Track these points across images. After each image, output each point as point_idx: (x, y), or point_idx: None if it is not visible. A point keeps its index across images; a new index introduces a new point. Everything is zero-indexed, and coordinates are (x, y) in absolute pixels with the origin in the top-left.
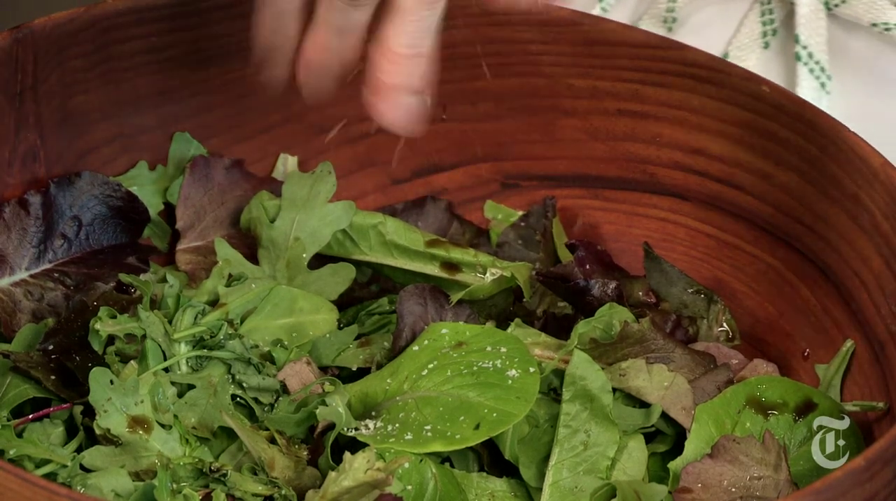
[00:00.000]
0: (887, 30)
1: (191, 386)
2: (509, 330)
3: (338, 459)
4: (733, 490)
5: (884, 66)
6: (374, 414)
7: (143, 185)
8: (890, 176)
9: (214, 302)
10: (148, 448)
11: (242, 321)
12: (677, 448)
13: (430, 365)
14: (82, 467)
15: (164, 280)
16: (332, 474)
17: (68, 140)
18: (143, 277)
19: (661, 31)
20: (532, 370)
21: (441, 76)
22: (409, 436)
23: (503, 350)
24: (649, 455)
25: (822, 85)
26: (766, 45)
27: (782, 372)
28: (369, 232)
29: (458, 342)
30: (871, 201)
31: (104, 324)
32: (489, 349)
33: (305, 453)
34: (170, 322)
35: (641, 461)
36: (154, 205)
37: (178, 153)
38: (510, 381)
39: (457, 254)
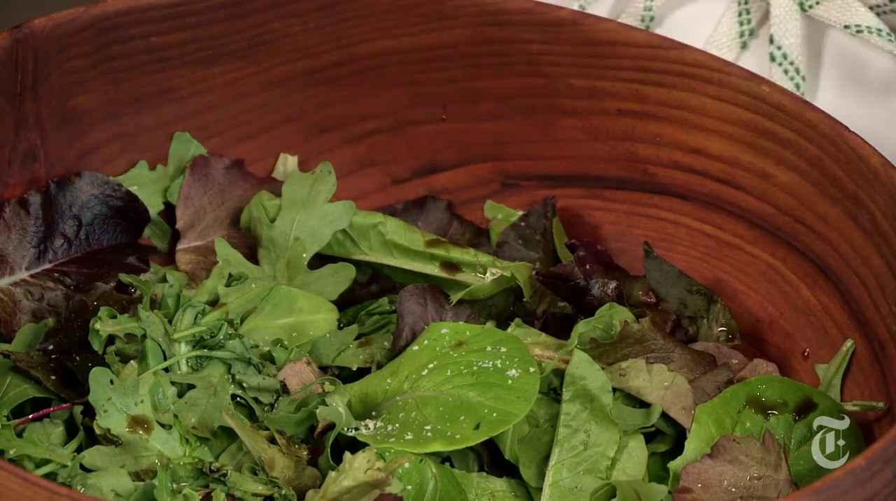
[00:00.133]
0: (859, 31)
1: (191, 386)
2: (509, 329)
3: (338, 459)
4: (733, 490)
5: (857, 68)
6: (374, 413)
7: (143, 185)
8: (890, 176)
9: (214, 302)
10: (148, 448)
11: (242, 321)
12: (677, 448)
13: (431, 365)
14: (82, 467)
15: (164, 280)
16: (333, 474)
17: (68, 140)
18: (143, 277)
19: None
20: (532, 370)
21: (441, 76)
22: (409, 436)
23: (503, 349)
24: (649, 454)
25: (797, 86)
26: (744, 46)
27: (782, 372)
28: (369, 232)
29: (458, 342)
30: (871, 201)
31: (104, 324)
32: (489, 349)
33: (305, 453)
34: (170, 322)
35: (641, 461)
36: (154, 205)
37: (178, 153)
38: (510, 381)
39: (457, 254)
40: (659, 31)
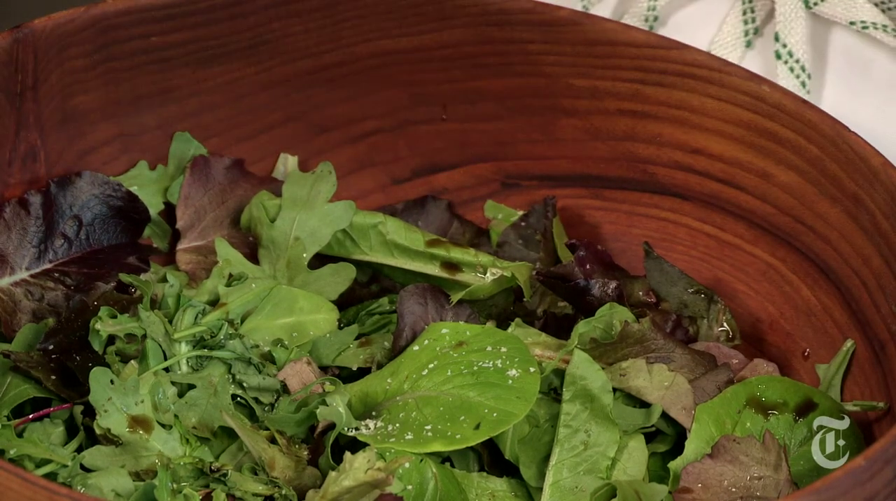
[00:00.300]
0: (864, 27)
1: (191, 386)
2: (509, 329)
3: (338, 459)
4: (733, 490)
5: (863, 65)
6: (374, 413)
7: (144, 185)
8: (890, 176)
9: (215, 302)
10: (148, 447)
11: (243, 321)
12: (677, 448)
13: (431, 365)
14: (83, 467)
15: (164, 280)
16: (333, 474)
17: (68, 140)
18: (143, 277)
19: None
20: (532, 370)
21: (441, 76)
22: (409, 436)
23: (503, 349)
24: (649, 454)
25: (803, 84)
26: (749, 44)
27: (782, 372)
28: (370, 231)
29: (458, 342)
30: (871, 201)
31: (104, 324)
32: (489, 349)
33: (306, 453)
34: (170, 321)
35: (642, 461)
36: (154, 205)
37: (179, 153)
38: (510, 381)
39: (457, 254)
40: (663, 31)
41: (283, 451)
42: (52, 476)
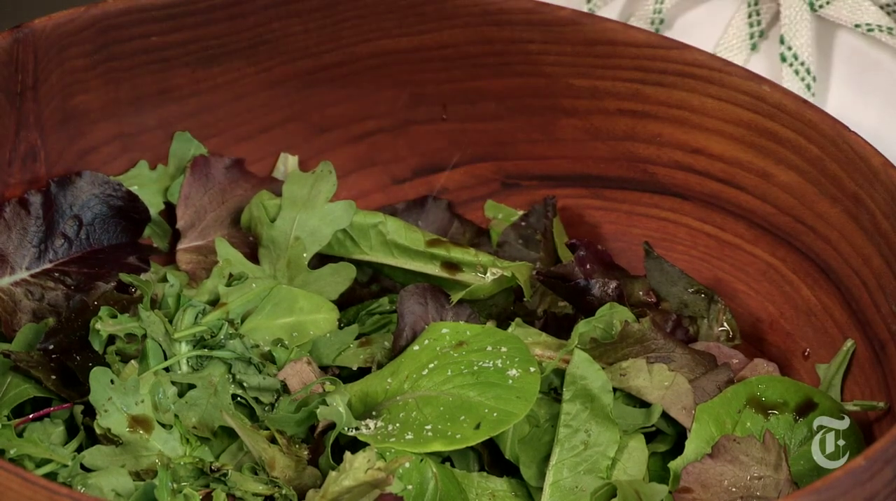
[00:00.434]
0: (870, 30)
1: (191, 386)
2: (510, 329)
3: (338, 459)
4: (734, 489)
5: (868, 68)
6: (374, 413)
7: (144, 185)
8: (890, 175)
9: (215, 302)
10: (148, 447)
11: (243, 320)
12: (678, 448)
13: (431, 365)
14: (83, 466)
15: (164, 279)
16: (333, 473)
17: (69, 139)
18: (143, 277)
19: None
20: (532, 369)
21: (441, 76)
22: (409, 436)
23: (504, 349)
24: (650, 454)
25: (808, 86)
26: (755, 47)
27: (783, 372)
28: (370, 231)
29: (458, 341)
30: (871, 201)
31: (105, 324)
32: (490, 348)
33: (306, 453)
34: (170, 321)
35: (642, 460)
36: (154, 205)
37: (179, 152)
38: (511, 381)
39: (457, 254)
40: (669, 33)
41: (284, 451)
42: (52, 476)
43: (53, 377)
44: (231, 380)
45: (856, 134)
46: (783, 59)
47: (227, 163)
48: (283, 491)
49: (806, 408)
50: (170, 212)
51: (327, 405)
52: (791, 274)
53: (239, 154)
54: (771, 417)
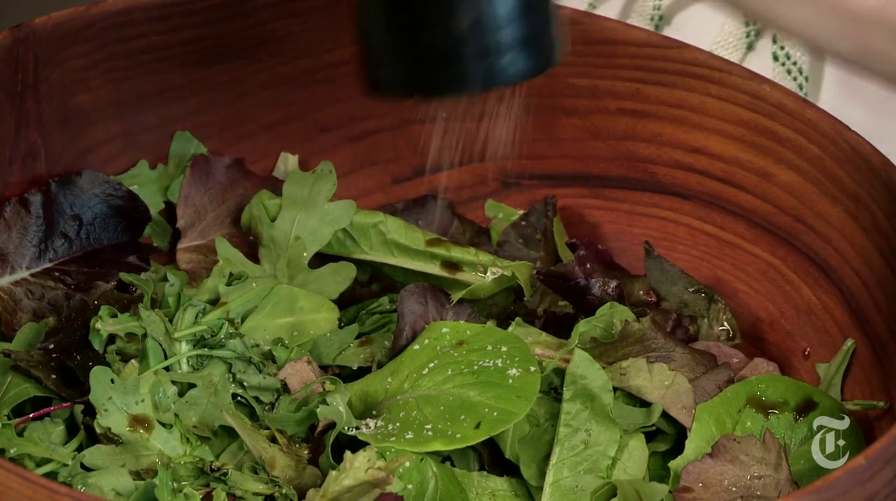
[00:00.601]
0: None
1: (191, 385)
2: (510, 329)
3: (338, 458)
4: (734, 489)
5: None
6: (374, 413)
7: (144, 184)
8: (890, 175)
9: (215, 301)
10: (149, 447)
11: (243, 320)
12: (678, 448)
13: (431, 364)
14: (83, 466)
15: (164, 279)
16: (333, 473)
17: (69, 139)
18: (143, 276)
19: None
20: (533, 369)
21: None
22: (409, 435)
23: (504, 349)
24: (650, 454)
25: (800, 86)
26: (750, 46)
27: (783, 371)
28: (370, 231)
29: (458, 341)
30: (871, 200)
31: (105, 323)
32: (490, 348)
33: (306, 452)
34: (170, 321)
35: (642, 460)
36: (155, 204)
37: (179, 152)
38: (511, 380)
39: (457, 253)
40: (667, 29)
41: (284, 450)
42: (52, 476)
43: (54, 376)
44: (231, 380)
45: (856, 133)
46: (775, 59)
47: (227, 162)
48: (284, 491)
49: (806, 408)
50: (170, 211)
51: (327, 404)
52: (791, 274)
53: (239, 153)
54: (771, 416)
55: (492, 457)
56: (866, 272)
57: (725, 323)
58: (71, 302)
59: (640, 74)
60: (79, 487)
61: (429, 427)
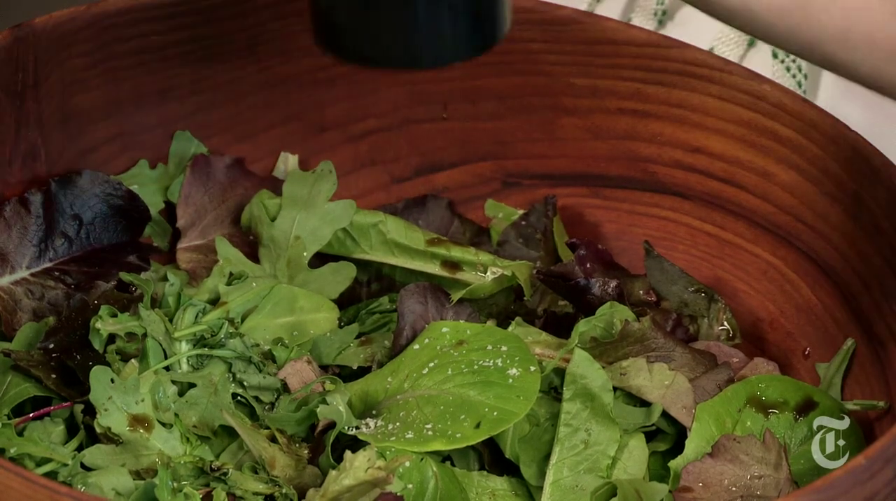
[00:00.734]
0: None
1: (191, 385)
2: (510, 328)
3: (338, 458)
4: (734, 489)
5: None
6: (374, 412)
7: (144, 184)
8: (890, 174)
9: (215, 301)
10: (149, 446)
11: (243, 320)
12: (678, 447)
13: (431, 364)
14: (83, 465)
15: (164, 278)
16: (333, 473)
17: (69, 138)
18: (143, 276)
19: (651, 26)
20: (533, 368)
21: (441, 75)
22: (409, 435)
23: (504, 348)
24: (650, 453)
25: (799, 84)
26: (752, 43)
27: (783, 371)
28: (370, 230)
29: (458, 340)
30: (872, 200)
31: (105, 323)
32: (490, 348)
33: (306, 452)
34: (170, 320)
35: (642, 460)
36: (155, 204)
37: (179, 152)
38: (511, 380)
39: (457, 253)
40: (670, 25)
41: (284, 450)
42: (52, 475)
43: (54, 376)
44: (231, 379)
45: (856, 133)
46: (775, 56)
47: (227, 162)
48: (284, 490)
49: (806, 407)
50: (170, 211)
51: (327, 404)
52: (791, 274)
53: (239, 153)
54: (771, 416)
55: (492, 457)
56: (866, 272)
57: (725, 323)
58: (71, 302)
59: (640, 74)
60: (79, 487)
61: (429, 426)
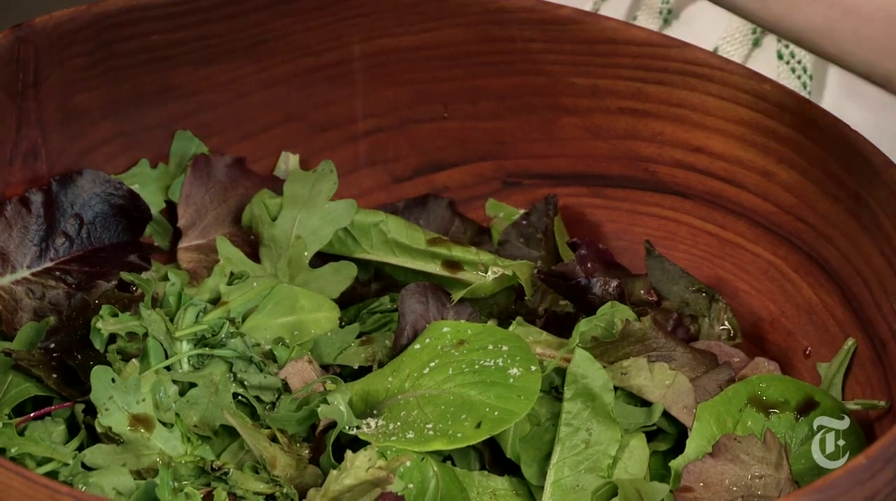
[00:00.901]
0: None
1: (192, 385)
2: (511, 328)
3: (339, 457)
4: (735, 488)
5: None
6: (375, 412)
7: (145, 183)
8: (892, 174)
9: (216, 301)
10: (149, 446)
11: (244, 319)
12: (679, 447)
13: (432, 364)
14: (84, 465)
15: (165, 278)
16: (334, 472)
17: (70, 138)
18: (144, 275)
19: (657, 25)
20: (533, 368)
21: (442, 75)
22: (410, 435)
23: (505, 348)
24: (651, 453)
25: (804, 84)
26: (757, 42)
27: (784, 371)
28: (371, 230)
29: (459, 340)
30: (872, 199)
31: (106, 323)
32: (490, 347)
33: (307, 451)
34: (171, 320)
35: (643, 459)
36: (155, 204)
37: (180, 151)
38: (512, 380)
39: (458, 253)
40: (675, 24)
41: (285, 450)
42: (53, 475)
43: (54, 375)
44: (232, 379)
45: (857, 132)
46: (780, 57)
47: (228, 161)
48: (284, 490)
49: (807, 407)
50: (171, 210)
51: (328, 404)
52: (792, 273)
53: (240, 152)
54: (772, 416)
55: (493, 457)
56: (867, 271)
57: (726, 323)
58: (72, 302)
59: (640, 74)
60: (80, 486)
61: (430, 426)
